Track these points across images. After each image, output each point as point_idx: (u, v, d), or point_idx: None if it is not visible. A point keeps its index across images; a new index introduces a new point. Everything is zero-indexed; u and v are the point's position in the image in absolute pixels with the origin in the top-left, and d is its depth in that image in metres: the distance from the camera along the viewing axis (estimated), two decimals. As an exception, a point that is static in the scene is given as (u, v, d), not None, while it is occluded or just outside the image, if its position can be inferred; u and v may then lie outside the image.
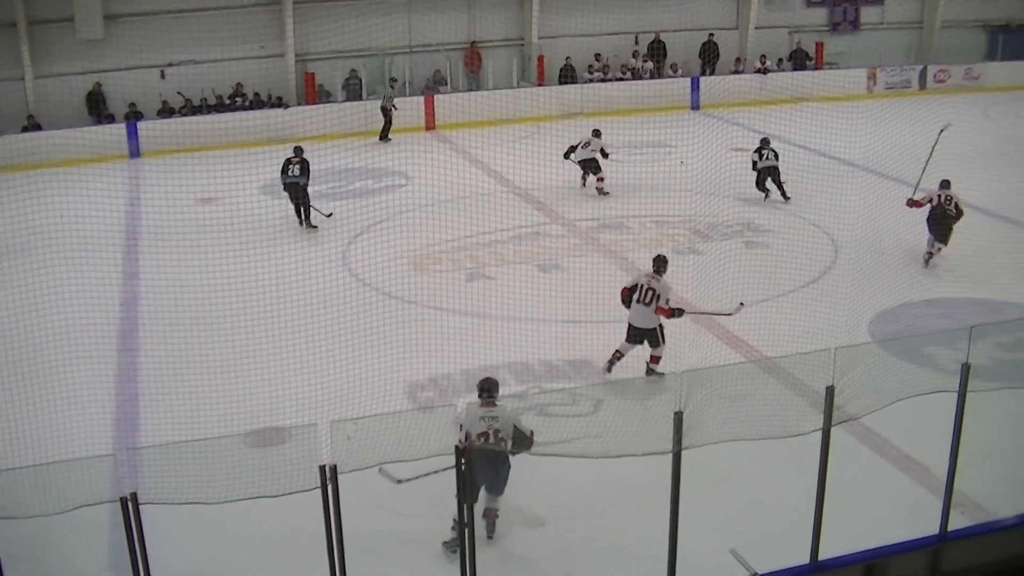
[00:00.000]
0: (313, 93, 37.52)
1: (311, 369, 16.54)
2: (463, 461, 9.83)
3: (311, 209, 25.63)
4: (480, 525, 11.70)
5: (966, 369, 11.29)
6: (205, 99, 36.36)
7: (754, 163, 27.47)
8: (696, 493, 11.03)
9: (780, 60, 43.56)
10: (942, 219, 21.85)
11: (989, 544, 12.25)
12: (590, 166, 28.60)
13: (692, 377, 10.17)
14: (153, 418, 15.91)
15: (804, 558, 11.15)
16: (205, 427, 13.76)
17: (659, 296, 16.86)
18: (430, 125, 36.83)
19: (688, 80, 41.00)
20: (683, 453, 10.12)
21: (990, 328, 16.93)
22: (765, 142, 27.46)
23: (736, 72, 42.66)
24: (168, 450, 9.71)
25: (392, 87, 38.30)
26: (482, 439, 12.31)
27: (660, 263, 17.36)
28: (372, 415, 10.00)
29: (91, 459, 9.47)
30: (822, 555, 11.15)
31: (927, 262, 21.92)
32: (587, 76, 39.82)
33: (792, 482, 12.88)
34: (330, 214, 25.90)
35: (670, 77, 41.29)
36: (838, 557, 11.30)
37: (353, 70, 37.93)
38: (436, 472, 11.41)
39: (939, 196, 22.05)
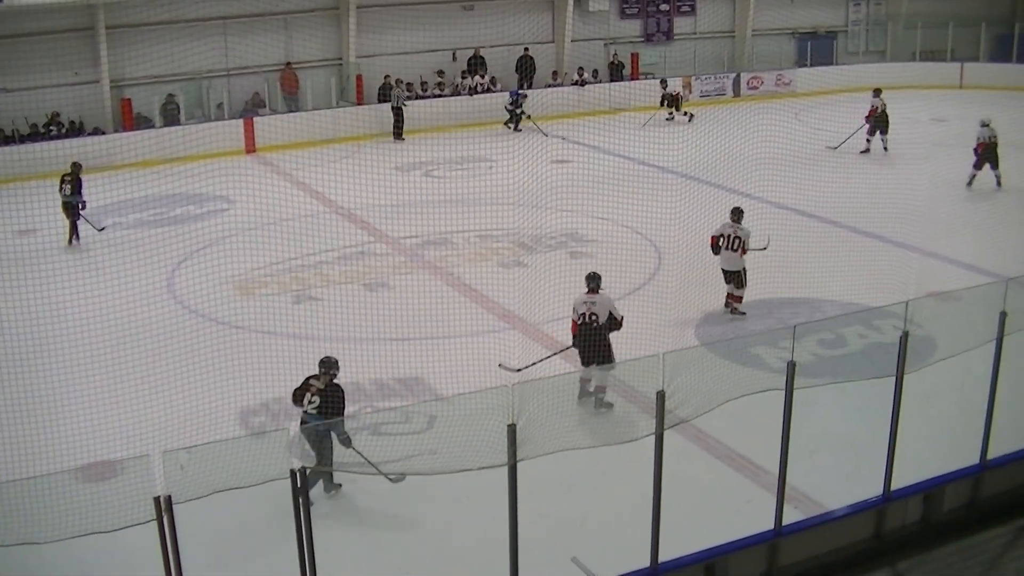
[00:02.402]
0: (131, 119, 36.83)
1: (140, 400, 16.29)
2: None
3: (78, 226, 25.77)
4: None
5: (791, 367, 11.58)
6: (17, 129, 35.40)
7: None
8: (534, 504, 11.10)
9: (595, 71, 44.04)
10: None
11: (823, 536, 12.58)
12: None
13: (524, 389, 10.24)
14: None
15: (644, 562, 11.30)
16: (34, 465, 13.45)
17: (743, 241, 19.88)
18: (250, 148, 36.42)
19: (508, 94, 41.24)
20: (519, 465, 10.19)
21: (812, 326, 17.44)
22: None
23: (554, 85, 43.03)
24: (-6, 491, 9.46)
25: (399, 86, 39.47)
26: (582, 319, 16.37)
27: (738, 213, 20.24)
28: (205, 443, 9.83)
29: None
30: (662, 557, 11.31)
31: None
32: (405, 94, 39.79)
33: (629, 487, 13.03)
34: (103, 228, 25.72)
35: (490, 92, 41.49)
36: (678, 559, 11.48)
37: (171, 95, 37.32)
38: (552, 356, 16.96)
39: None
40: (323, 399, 13.82)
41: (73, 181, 25.69)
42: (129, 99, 36.91)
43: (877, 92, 34.96)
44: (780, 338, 13.14)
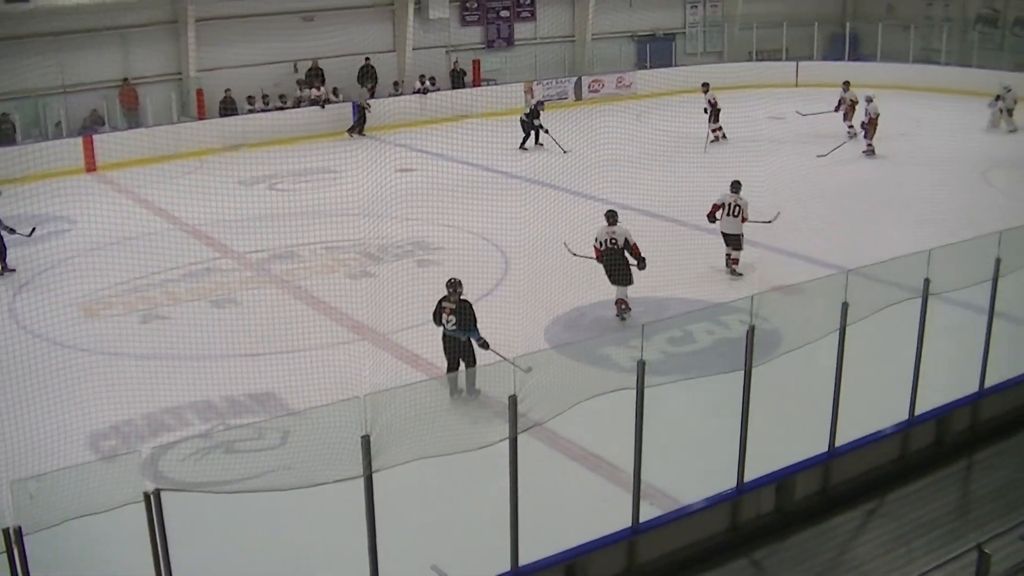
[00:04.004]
0: (-38, 140, 35.84)
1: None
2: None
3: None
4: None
5: (641, 366, 11.72)
6: None
7: None
8: (393, 514, 11.06)
9: (433, 79, 43.93)
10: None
11: (680, 530, 12.74)
12: None
13: (376, 400, 10.20)
14: None
15: (505, 566, 11.32)
16: None
17: (742, 209, 22.76)
18: (90, 167, 35.64)
19: (350, 104, 41.06)
20: (374, 475, 10.15)
21: (660, 324, 17.63)
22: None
23: (396, 94, 42.94)
24: None
25: (367, 89, 41.91)
26: (604, 245, 20.26)
27: (737, 185, 23.15)
28: (54, 471, 9.61)
29: None
30: (522, 561, 11.35)
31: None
32: (247, 107, 39.39)
33: (486, 492, 13.05)
34: (32, 231, 25.07)
35: (332, 103, 41.21)
36: (538, 561, 11.53)
37: (5, 114, 36.36)
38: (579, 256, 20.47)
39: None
40: (457, 315, 16.83)
41: None
42: (-40, 120, 35.97)
43: (847, 85, 37.24)
44: (629, 337, 13.27)
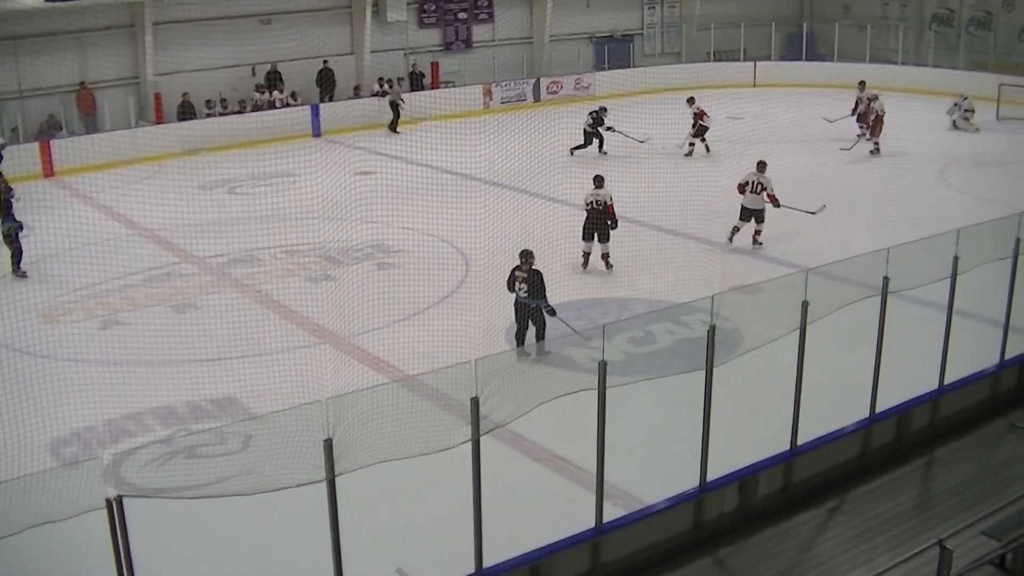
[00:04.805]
0: (-80, 146, 35.52)
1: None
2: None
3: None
4: None
5: (603, 366, 11.73)
6: None
7: None
8: (356, 517, 11.05)
9: (390, 81, 43.79)
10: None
11: (644, 530, 12.77)
12: None
13: (338, 403, 10.18)
14: None
15: (469, 568, 11.32)
16: None
17: (766, 187, 25.02)
18: (48, 172, 35.36)
19: (308, 108, 40.96)
20: (337, 479, 10.13)
21: (621, 325, 17.69)
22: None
23: (355, 97, 42.86)
24: None
25: (400, 84, 42.97)
26: (590, 205, 23.14)
27: (763, 166, 25.38)
28: (15, 478, 9.55)
29: None
30: (486, 563, 11.35)
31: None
32: (206, 111, 39.23)
33: (449, 495, 13.04)
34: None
35: (290, 106, 41.10)
36: (502, 563, 11.53)
37: (-40, 119, 36.19)
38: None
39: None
40: (528, 283, 18.35)
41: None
42: (-82, 124, 35.70)
43: (863, 85, 37.10)
44: (590, 337, 13.27)
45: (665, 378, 15.70)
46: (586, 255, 23.58)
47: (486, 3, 47.92)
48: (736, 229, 25.42)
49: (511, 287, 18.67)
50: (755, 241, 25.48)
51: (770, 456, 13.94)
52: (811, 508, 13.91)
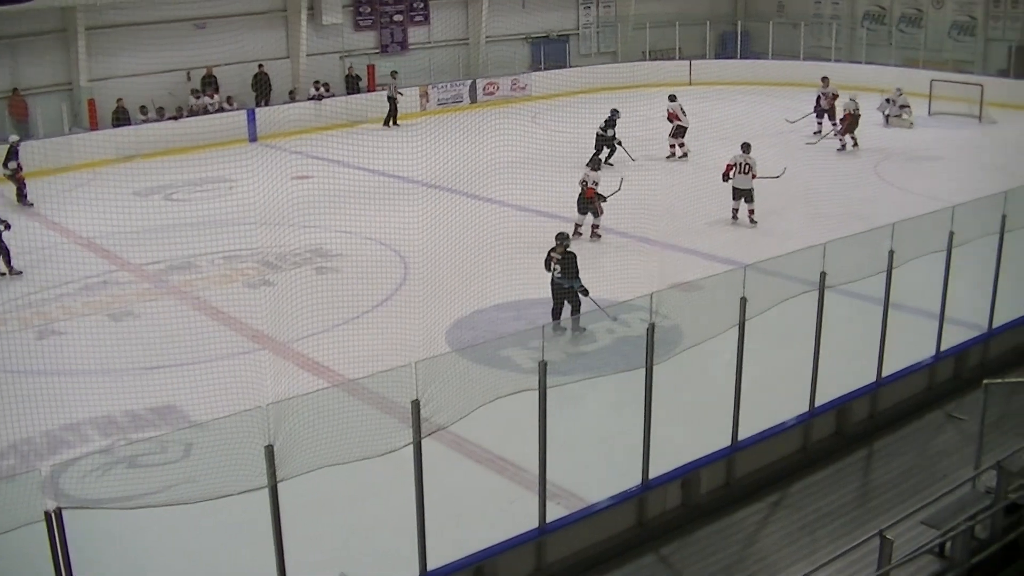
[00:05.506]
0: None
1: None
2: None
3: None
4: None
5: (543, 366, 11.75)
6: None
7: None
8: (300, 523, 11.00)
9: (327, 85, 43.68)
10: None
11: (587, 529, 12.82)
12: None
13: (279, 409, 10.14)
14: None
15: (414, 571, 11.31)
16: None
17: (752, 167, 26.96)
18: (-21, 180, 35.01)
19: (244, 112, 40.71)
20: (280, 485, 10.09)
21: (561, 324, 17.67)
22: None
23: (291, 101, 42.66)
24: None
25: (395, 78, 43.07)
26: (583, 186, 25.81)
27: (747, 147, 27.34)
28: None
29: None
30: (431, 565, 11.35)
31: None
32: (141, 117, 38.89)
33: (392, 498, 13.01)
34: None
35: (226, 111, 40.83)
36: (446, 565, 11.53)
37: None
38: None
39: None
40: (562, 264, 19.61)
41: None
42: None
43: (825, 81, 37.62)
44: (530, 338, 13.32)
45: (606, 377, 15.73)
46: (576, 226, 25.71)
47: (422, 5, 47.80)
48: (735, 210, 27.47)
49: (548, 267, 19.89)
50: (751, 220, 27.35)
51: (711, 452, 14.03)
52: (753, 503, 14.02)
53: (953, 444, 15.59)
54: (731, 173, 27.28)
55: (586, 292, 19.49)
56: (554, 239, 20.02)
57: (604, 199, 25.98)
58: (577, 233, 25.44)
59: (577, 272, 19.65)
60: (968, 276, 17.55)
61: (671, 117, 35.13)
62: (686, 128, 35.05)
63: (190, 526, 13.26)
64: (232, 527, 13.05)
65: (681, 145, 35.14)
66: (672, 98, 35.43)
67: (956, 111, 41.41)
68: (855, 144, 35.57)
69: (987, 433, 14.08)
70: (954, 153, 35.50)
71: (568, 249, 19.84)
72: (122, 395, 17.58)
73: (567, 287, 19.70)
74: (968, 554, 12.41)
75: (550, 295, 20.11)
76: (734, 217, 27.51)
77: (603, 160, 31.83)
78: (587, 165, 26.78)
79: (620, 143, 33.60)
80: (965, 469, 14.22)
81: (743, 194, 27.28)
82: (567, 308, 19.92)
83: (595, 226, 26.18)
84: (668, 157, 34.94)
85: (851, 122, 35.51)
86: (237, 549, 13.07)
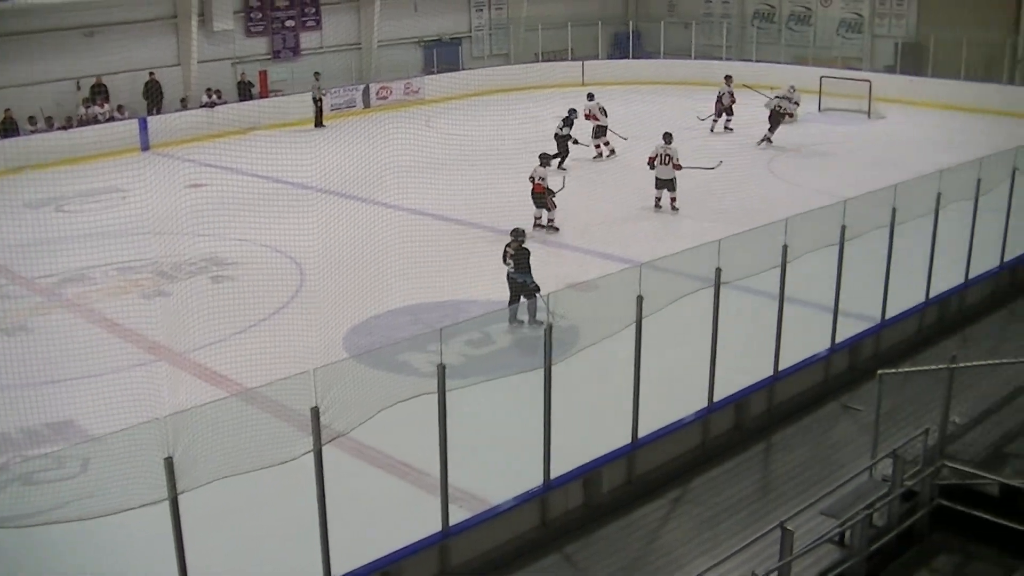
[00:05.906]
0: None
1: None
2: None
3: None
4: None
5: (441, 370, 11.76)
6: None
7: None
8: (202, 535, 10.90)
9: (219, 92, 43.33)
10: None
11: (491, 531, 12.84)
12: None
13: (177, 420, 10.05)
14: None
15: (318, 577, 11.28)
16: None
17: (672, 157, 28.18)
18: None
19: (136, 121, 40.22)
20: (180, 497, 10.00)
21: (458, 327, 17.71)
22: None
23: (183, 109, 42.24)
24: None
25: (318, 79, 43.91)
26: (535, 179, 26.63)
27: (669, 137, 28.73)
28: None
29: None
30: (335, 571, 11.31)
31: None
32: (30, 128, 38.28)
33: (294, 506, 12.94)
34: None
35: (117, 120, 40.29)
36: (351, 571, 11.50)
37: None
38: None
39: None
40: (516, 260, 20.41)
41: None
42: None
43: (728, 80, 39.29)
44: (428, 342, 13.31)
45: (505, 378, 15.77)
46: (536, 219, 26.85)
47: (313, 10, 47.58)
48: (658, 199, 28.72)
49: (504, 260, 20.69)
50: (672, 207, 28.61)
51: (612, 450, 14.11)
52: (655, 499, 14.12)
53: (849, 434, 15.82)
54: (655, 163, 28.39)
55: (538, 289, 20.05)
56: (510, 234, 20.72)
57: (553, 194, 26.83)
58: (538, 226, 26.65)
59: (529, 268, 20.44)
60: (860, 269, 17.81)
61: (589, 117, 35.29)
62: (606, 127, 35.19)
63: (89, 542, 13.09)
64: (133, 542, 12.91)
65: (606, 144, 35.28)
66: (590, 97, 35.67)
67: (846, 107, 42.13)
68: (769, 141, 36.04)
69: (882, 422, 14.31)
70: (844, 148, 36.06)
71: (523, 245, 20.57)
72: (17, 411, 17.26)
73: (520, 281, 20.43)
74: (867, 542, 12.62)
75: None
76: (657, 206, 28.63)
77: (557, 165, 32.05)
78: (542, 162, 27.31)
79: (577, 141, 34.05)
80: (862, 459, 14.44)
81: (665, 184, 28.46)
82: (524, 302, 20.41)
83: (551, 220, 26.95)
84: (595, 158, 35.08)
85: (776, 120, 36.25)
86: (138, 564, 12.94)
